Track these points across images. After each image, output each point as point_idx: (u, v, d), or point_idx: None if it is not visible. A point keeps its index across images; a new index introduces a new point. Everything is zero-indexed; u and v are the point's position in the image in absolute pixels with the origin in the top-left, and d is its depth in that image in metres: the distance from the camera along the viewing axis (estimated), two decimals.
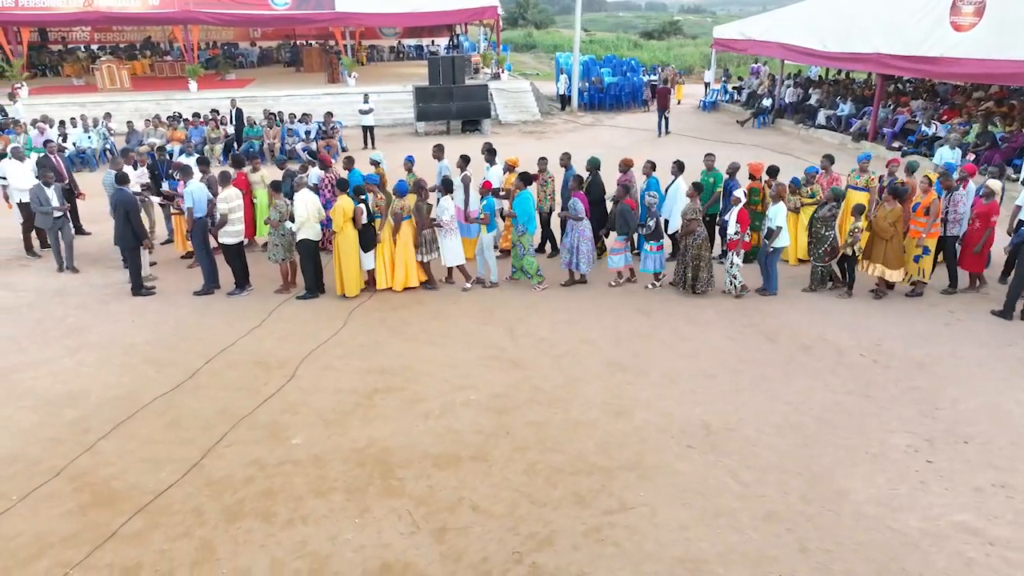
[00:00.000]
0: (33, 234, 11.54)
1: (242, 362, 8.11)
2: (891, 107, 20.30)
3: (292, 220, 9.29)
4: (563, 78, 27.53)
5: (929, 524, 5.52)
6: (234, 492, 5.94)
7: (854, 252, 9.45)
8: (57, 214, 10.23)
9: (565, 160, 10.51)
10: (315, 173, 10.44)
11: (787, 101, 24.29)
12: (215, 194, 9.61)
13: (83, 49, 33.90)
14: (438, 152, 10.86)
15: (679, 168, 10.07)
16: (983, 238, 9.28)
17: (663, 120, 22.13)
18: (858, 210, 9.43)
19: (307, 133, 18.76)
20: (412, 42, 39.72)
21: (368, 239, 9.45)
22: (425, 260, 9.84)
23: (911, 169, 10.15)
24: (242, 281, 9.94)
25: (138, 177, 10.90)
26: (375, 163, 10.67)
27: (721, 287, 9.81)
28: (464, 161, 10.42)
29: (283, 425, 6.89)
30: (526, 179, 9.51)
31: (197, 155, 11.72)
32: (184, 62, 26.52)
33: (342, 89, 25.10)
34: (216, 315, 9.34)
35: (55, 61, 31.70)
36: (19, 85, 23.68)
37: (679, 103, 29.58)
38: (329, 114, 19.39)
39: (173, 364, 8.06)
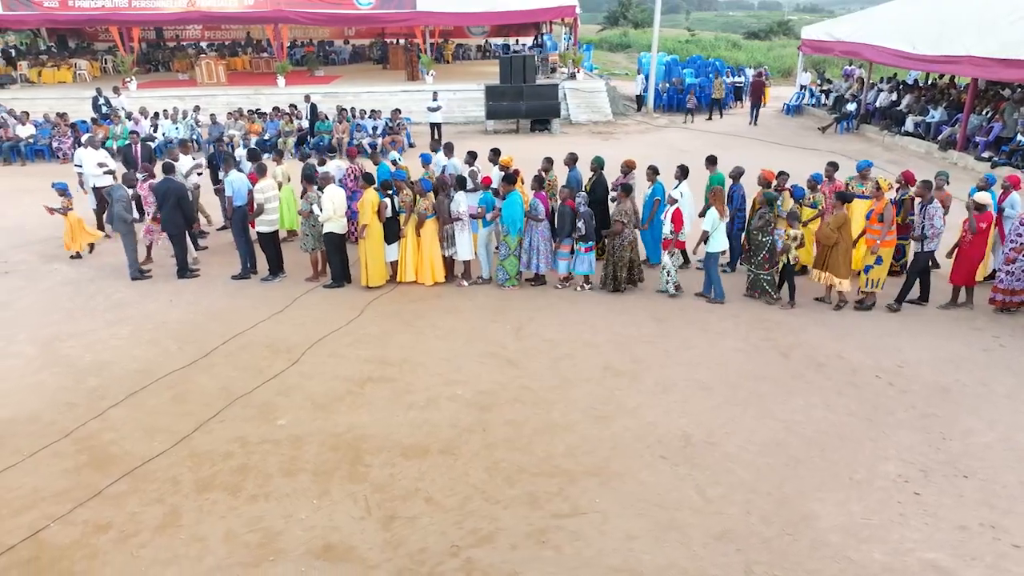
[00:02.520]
0: (105, 216, 12.54)
1: (256, 344, 8.56)
2: (987, 115, 18.81)
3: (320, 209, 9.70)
4: (640, 78, 27.14)
5: (894, 559, 5.19)
6: (212, 465, 6.31)
7: (789, 260, 9.14)
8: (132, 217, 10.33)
9: (570, 160, 10.45)
10: (338, 165, 10.84)
11: (877, 106, 22.96)
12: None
13: (193, 46, 36.36)
14: (448, 151, 11.08)
15: (683, 173, 9.79)
16: (986, 250, 8.93)
17: (755, 111, 24.25)
18: (793, 216, 9.09)
19: (374, 129, 19.39)
20: (499, 41, 40.18)
21: (392, 232, 9.73)
22: (448, 255, 10.05)
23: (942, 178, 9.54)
24: (275, 268, 10.45)
25: (193, 165, 11.64)
26: (393, 162, 10.97)
27: (656, 287, 9.83)
28: (471, 157, 10.57)
29: (274, 406, 7.24)
30: (510, 179, 9.53)
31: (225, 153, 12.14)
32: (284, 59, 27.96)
33: (420, 87, 25.70)
34: (246, 299, 9.87)
35: (167, 57, 34.09)
36: (129, 79, 25.69)
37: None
38: (397, 111, 19.96)
39: (194, 342, 8.60)
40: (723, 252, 9.56)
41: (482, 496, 5.89)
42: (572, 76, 26.95)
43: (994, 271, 9.46)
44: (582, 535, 5.45)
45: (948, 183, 9.49)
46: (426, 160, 10.52)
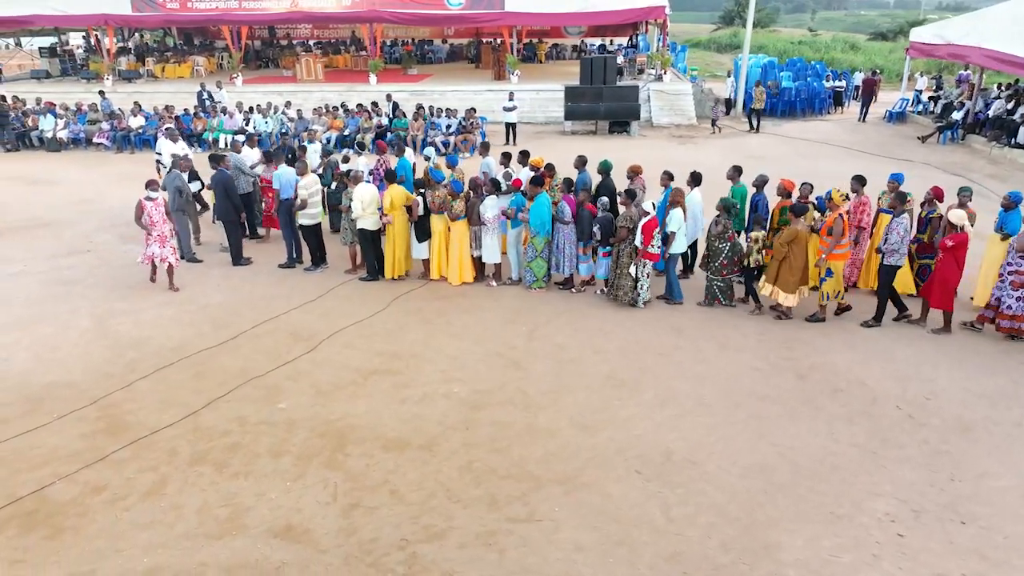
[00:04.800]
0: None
1: (281, 330, 9.02)
2: None
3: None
4: (729, 80, 26.28)
5: None
6: (209, 440, 6.75)
7: (749, 264, 8.96)
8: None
9: (579, 163, 10.34)
10: (363, 161, 11.22)
11: (990, 115, 21.15)
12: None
13: (302, 44, 38.35)
14: (484, 150, 11.20)
15: (695, 181, 9.46)
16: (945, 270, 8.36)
17: (865, 108, 25.02)
18: (757, 221, 8.90)
19: (448, 127, 19.81)
20: (596, 41, 39.95)
21: (423, 230, 9.99)
22: (475, 255, 10.21)
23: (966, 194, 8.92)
24: (318, 259, 10.95)
25: (255, 157, 12.38)
26: (427, 158, 11.21)
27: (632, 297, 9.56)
28: (506, 159, 10.64)
29: (280, 390, 7.64)
30: (537, 182, 9.51)
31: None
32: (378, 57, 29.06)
33: (504, 86, 25.97)
34: (286, 287, 10.41)
35: (276, 55, 36.13)
36: (236, 75, 27.46)
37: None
38: (471, 110, 20.31)
39: (228, 325, 9.17)
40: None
41: (446, 494, 6.00)
42: (659, 78, 26.43)
43: None
44: (530, 541, 5.46)
45: (971, 199, 8.96)
46: (452, 162, 10.74)
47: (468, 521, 5.67)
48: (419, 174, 11.06)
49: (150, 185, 9.93)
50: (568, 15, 27.17)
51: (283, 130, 20.90)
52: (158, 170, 13.47)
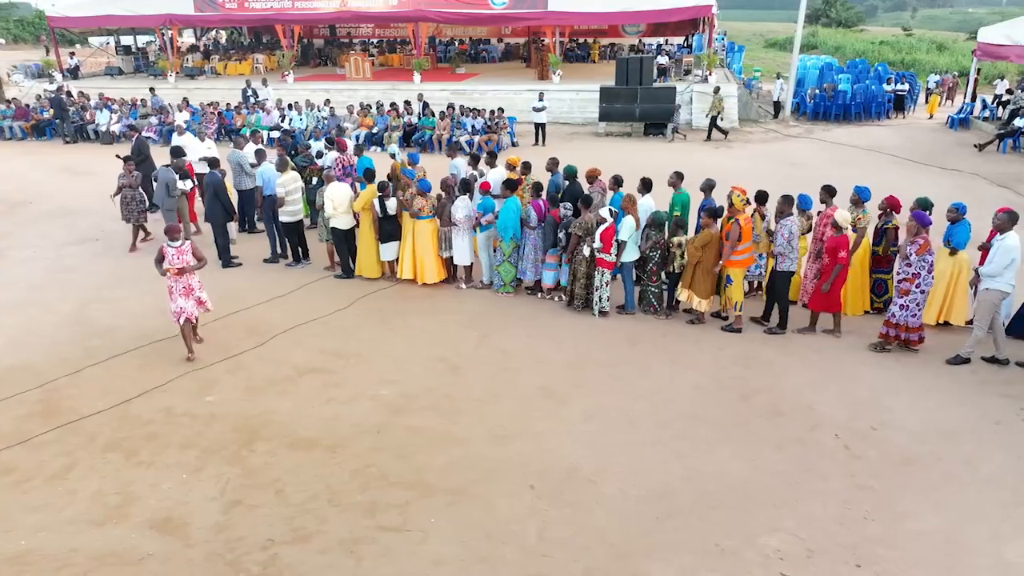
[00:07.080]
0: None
1: (239, 324, 9.21)
2: None
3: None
4: (779, 82, 25.23)
5: None
6: (130, 429, 6.95)
7: (673, 270, 8.74)
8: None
9: (551, 165, 10.07)
10: (334, 156, 11.32)
11: None
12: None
13: (361, 43, 39.23)
14: (452, 152, 11.13)
15: (645, 187, 9.09)
16: (831, 276, 8.01)
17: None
18: (678, 224, 8.67)
19: (473, 127, 19.81)
20: (659, 40, 39.16)
21: (385, 232, 10.00)
22: (445, 256, 10.14)
23: (923, 206, 8.28)
24: (298, 255, 11.13)
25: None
26: (392, 155, 11.21)
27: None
28: (474, 160, 10.53)
29: (215, 383, 7.79)
30: (511, 185, 9.33)
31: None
32: (431, 56, 29.46)
33: (547, 86, 25.79)
34: (265, 281, 10.61)
35: (334, 53, 37.09)
36: (287, 73, 28.33)
37: (930, 117, 25.53)
38: (499, 110, 20.24)
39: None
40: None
41: (328, 497, 5.97)
42: (704, 79, 25.64)
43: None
44: (391, 551, 5.36)
45: (928, 212, 8.35)
46: (414, 160, 10.72)
47: (338, 526, 5.62)
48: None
49: (170, 231, 8.36)
50: (611, 14, 26.76)
51: (318, 126, 21.44)
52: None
